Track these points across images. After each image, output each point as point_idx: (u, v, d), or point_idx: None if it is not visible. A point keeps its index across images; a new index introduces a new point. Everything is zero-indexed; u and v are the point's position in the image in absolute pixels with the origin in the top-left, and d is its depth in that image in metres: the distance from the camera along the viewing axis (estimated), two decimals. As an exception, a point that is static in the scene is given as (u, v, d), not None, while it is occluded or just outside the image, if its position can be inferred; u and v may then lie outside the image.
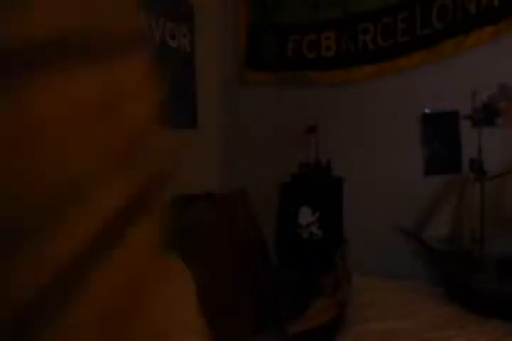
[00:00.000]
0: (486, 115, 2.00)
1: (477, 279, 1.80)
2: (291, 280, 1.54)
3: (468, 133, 2.06)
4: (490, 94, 2.01)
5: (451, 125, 2.10)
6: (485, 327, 1.64)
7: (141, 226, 0.19)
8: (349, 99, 2.27)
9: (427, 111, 2.16)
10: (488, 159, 1.94)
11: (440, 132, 2.14)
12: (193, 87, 2.41)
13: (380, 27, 2.16)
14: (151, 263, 0.22)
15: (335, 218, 1.62)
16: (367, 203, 2.20)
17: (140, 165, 0.19)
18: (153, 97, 0.21)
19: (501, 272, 1.77)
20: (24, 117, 0.15)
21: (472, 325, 1.67)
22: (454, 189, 2.00)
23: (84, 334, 0.17)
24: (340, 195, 1.70)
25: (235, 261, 1.65)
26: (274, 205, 2.07)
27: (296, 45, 2.34)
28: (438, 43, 2.03)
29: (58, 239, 0.15)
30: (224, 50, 2.56)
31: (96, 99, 0.17)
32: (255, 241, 1.88)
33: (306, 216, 1.59)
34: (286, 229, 1.62)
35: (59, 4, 0.16)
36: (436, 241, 1.99)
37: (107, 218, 0.17)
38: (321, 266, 1.56)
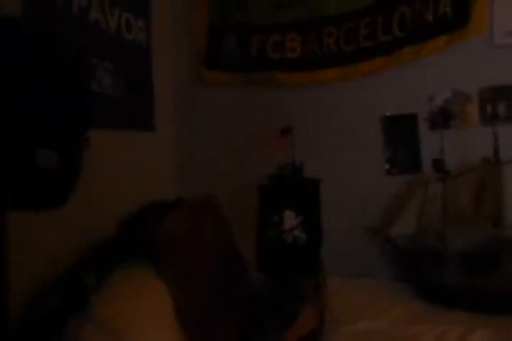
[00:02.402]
0: (442, 117, 2.12)
1: (442, 274, 1.90)
2: (275, 289, 1.50)
3: (426, 135, 2.17)
4: (445, 98, 2.13)
5: (410, 127, 2.20)
6: (454, 319, 1.73)
7: None
8: (315, 101, 2.28)
9: (387, 113, 2.24)
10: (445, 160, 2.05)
11: (401, 134, 2.23)
12: (151, 85, 2.25)
13: (343, 31, 2.18)
14: None
15: (315, 220, 1.61)
16: (333, 204, 2.22)
17: None
18: None
19: (464, 267, 1.88)
20: None
21: (442, 319, 1.75)
22: (416, 188, 2.10)
23: None
24: (318, 196, 1.70)
25: (212, 273, 1.57)
26: (244, 209, 2.02)
27: (260, 45, 2.29)
28: (398, 50, 2.10)
29: None
30: (182, 49, 2.44)
31: None
32: (229, 249, 1.80)
33: (290, 220, 1.56)
34: (271, 235, 1.57)
35: None
36: (402, 238, 2.07)
37: None
38: (307, 270, 1.54)
